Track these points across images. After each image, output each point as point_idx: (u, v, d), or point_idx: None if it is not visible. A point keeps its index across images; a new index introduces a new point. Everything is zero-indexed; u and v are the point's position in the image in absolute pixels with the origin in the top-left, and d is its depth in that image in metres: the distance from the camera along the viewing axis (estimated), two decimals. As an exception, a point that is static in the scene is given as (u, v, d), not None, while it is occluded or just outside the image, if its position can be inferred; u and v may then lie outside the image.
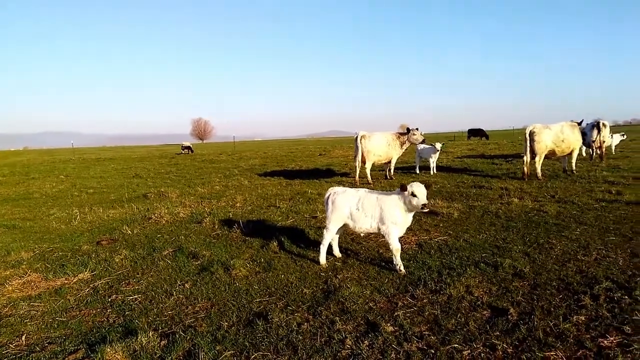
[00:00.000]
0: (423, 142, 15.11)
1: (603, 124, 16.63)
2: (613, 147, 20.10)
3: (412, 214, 5.35)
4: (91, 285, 5.52)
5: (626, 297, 4.34)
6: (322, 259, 5.83)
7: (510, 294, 4.59)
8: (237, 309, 4.58)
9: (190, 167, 24.92)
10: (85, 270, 6.02)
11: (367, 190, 5.80)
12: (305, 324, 4.11)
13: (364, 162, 13.26)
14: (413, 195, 5.07)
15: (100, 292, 5.31)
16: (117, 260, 6.45)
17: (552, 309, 4.16)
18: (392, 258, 5.44)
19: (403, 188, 5.23)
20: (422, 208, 5.04)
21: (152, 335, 3.95)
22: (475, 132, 51.42)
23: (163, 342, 3.91)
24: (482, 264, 5.51)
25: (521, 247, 6.21)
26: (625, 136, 21.89)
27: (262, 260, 6.10)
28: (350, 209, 5.59)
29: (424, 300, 4.53)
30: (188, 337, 3.95)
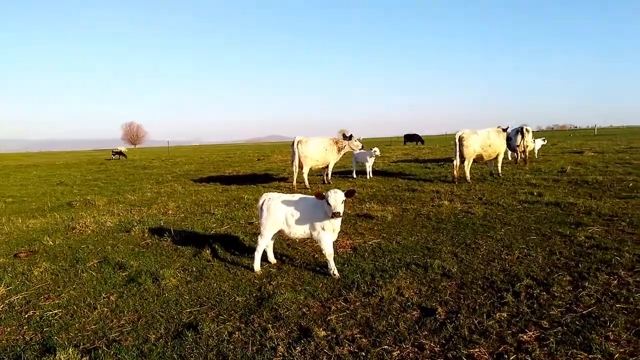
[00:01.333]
0: (362, 148, 15.38)
1: (526, 129, 17.66)
2: (536, 151, 21.36)
3: (340, 218, 5.38)
4: (6, 301, 5.11)
5: (544, 293, 4.60)
6: (257, 265, 5.74)
7: (438, 293, 4.74)
8: (165, 320, 4.40)
9: (120, 174, 23.86)
10: (0, 285, 5.56)
11: (302, 195, 5.79)
12: (237, 332, 4.02)
13: (301, 167, 13.27)
14: (327, 203, 5.08)
15: (16, 308, 4.92)
16: (36, 273, 6.01)
17: (477, 307, 4.33)
18: (327, 263, 5.46)
19: (319, 196, 5.24)
20: (332, 216, 5.07)
21: (72, 351, 3.71)
22: (411, 137, 53.09)
23: (84, 358, 3.68)
24: (413, 266, 5.66)
25: (450, 247, 6.44)
26: (546, 141, 23.34)
27: (194, 269, 5.92)
28: (286, 214, 5.55)
29: (357, 304, 4.57)
30: (112, 352, 3.75)
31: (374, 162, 16.48)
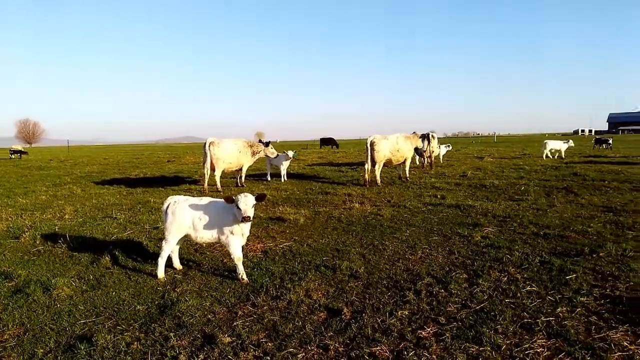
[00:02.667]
0: (277, 155, 15.32)
1: (432, 135, 18.66)
2: (441, 157, 22.62)
3: (249, 223, 5.31)
4: None
5: (443, 290, 4.86)
6: (160, 272, 5.49)
7: (345, 294, 4.83)
8: (56, 333, 4.06)
9: (11, 175, 21.65)
10: None
11: (210, 199, 5.63)
12: (136, 343, 3.81)
13: (213, 169, 12.93)
14: (237, 207, 5.01)
15: None
16: None
17: (381, 306, 4.47)
18: (235, 267, 5.36)
19: (228, 200, 5.15)
20: (242, 221, 5.02)
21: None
22: (327, 141, 53.93)
23: (-45, 382, 3.29)
24: (322, 268, 5.73)
25: (359, 249, 6.61)
26: (450, 147, 24.81)
27: (91, 277, 5.52)
28: (193, 218, 5.37)
29: (265, 308, 4.53)
30: (-11, 373, 3.39)
31: (289, 165, 16.52)
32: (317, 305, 4.55)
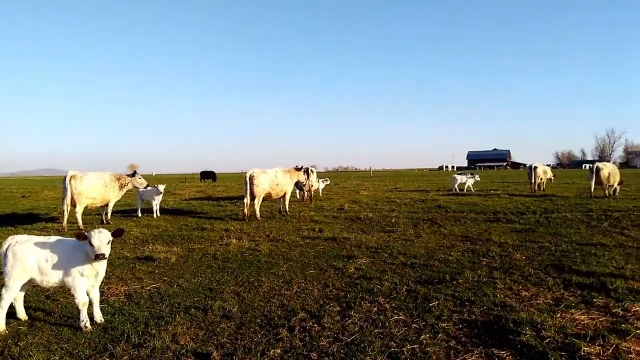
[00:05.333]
0: (147, 186, 14.48)
1: (311, 169, 19.15)
2: (320, 190, 23.22)
3: (104, 262, 4.85)
4: None
5: (316, 325, 4.83)
6: (1, 324, 4.74)
7: (216, 336, 4.57)
8: None
9: None
10: None
11: (58, 237, 5.05)
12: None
13: (74, 205, 11.75)
14: (90, 244, 4.58)
15: None
16: None
17: (253, 346, 4.29)
18: (80, 313, 4.80)
19: (80, 236, 4.68)
20: (95, 259, 4.60)
21: None
22: (207, 175, 52.70)
23: None
24: (192, 309, 5.39)
25: (233, 287, 6.37)
26: (329, 181, 25.54)
27: None
28: (38, 259, 4.73)
29: (125, 358, 4.09)
30: None
31: (163, 200, 15.68)
32: (184, 350, 4.23)
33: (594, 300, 5.39)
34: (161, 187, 14.80)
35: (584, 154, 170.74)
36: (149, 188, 14.65)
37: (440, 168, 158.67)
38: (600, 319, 4.77)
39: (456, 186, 24.61)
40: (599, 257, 7.65)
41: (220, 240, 10.05)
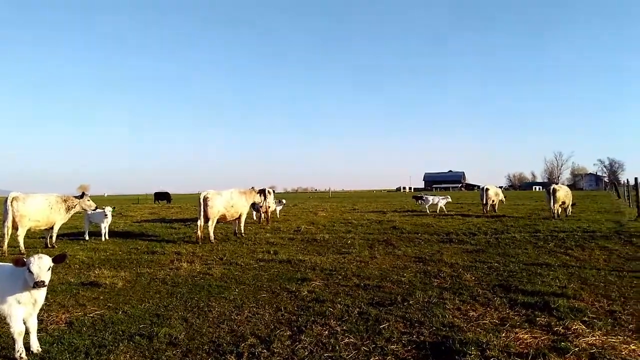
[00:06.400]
0: (96, 208, 13.96)
1: (269, 191, 19.02)
2: (278, 212, 23.06)
3: (44, 289, 4.61)
4: None
5: (265, 350, 4.72)
6: None
7: (160, 365, 4.40)
8: None
9: None
10: None
11: None
12: None
13: (16, 228, 11.15)
14: (29, 270, 4.36)
15: None
16: None
17: (198, 375, 4.15)
18: (15, 342, 4.53)
19: (18, 262, 4.44)
20: (34, 286, 4.38)
21: None
22: (161, 196, 51.54)
23: None
24: (137, 337, 5.18)
25: (182, 312, 6.17)
26: (285, 201, 25.37)
27: None
28: None
29: (59, 392, 3.86)
30: None
31: (113, 222, 15.14)
32: (124, 382, 4.04)
33: (537, 319, 5.56)
34: (108, 210, 14.27)
35: (534, 176, 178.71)
36: (97, 210, 14.12)
37: (398, 189, 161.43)
38: (542, 338, 4.91)
39: (427, 207, 25.03)
40: (544, 276, 7.92)
41: (171, 264, 9.77)
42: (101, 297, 7.05)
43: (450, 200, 26.45)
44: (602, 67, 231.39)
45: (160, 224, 20.42)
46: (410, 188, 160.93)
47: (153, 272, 8.85)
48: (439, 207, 25.05)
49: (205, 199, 13.24)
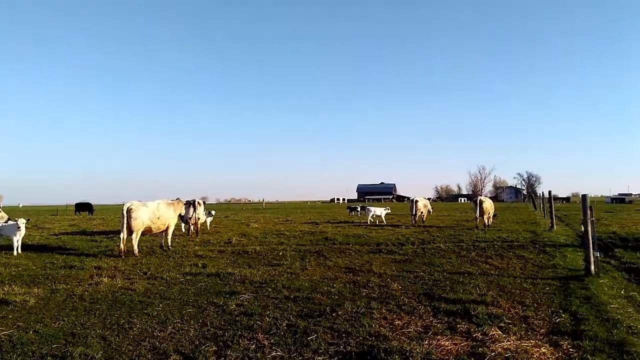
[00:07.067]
0: (7, 220, 12.93)
1: (199, 202, 18.53)
2: (208, 223, 22.51)
3: None
4: None
5: (188, 367, 4.56)
6: None
7: (72, 389, 4.11)
8: None
9: None
10: None
11: None
12: None
13: None
14: None
15: None
16: None
17: (114, 398, 3.92)
18: None
19: None
20: None
21: None
22: (83, 207, 48.71)
23: None
24: (49, 357, 4.84)
25: (100, 330, 5.83)
26: (214, 212, 24.63)
27: None
28: None
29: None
30: None
31: (27, 235, 14.06)
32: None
33: (458, 326, 5.79)
34: (22, 222, 13.24)
35: (459, 188, 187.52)
36: (9, 222, 13.06)
37: (332, 200, 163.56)
38: (462, 344, 5.11)
39: (370, 217, 25.40)
40: (466, 285, 8.28)
41: (91, 279, 9.21)
42: (10, 316, 6.50)
43: (389, 211, 27.17)
44: (517, 92, 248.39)
45: (80, 236, 19.26)
46: (344, 199, 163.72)
47: (70, 288, 8.31)
48: (381, 218, 25.67)
49: (129, 211, 12.64)
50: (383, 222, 25.27)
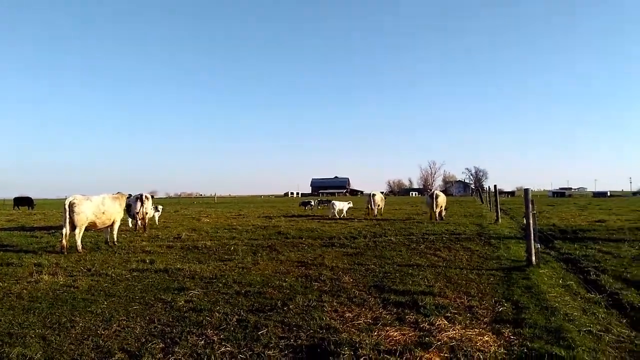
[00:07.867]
0: None
1: (146, 196, 17.96)
2: (157, 218, 21.86)
3: None
4: None
5: (134, 366, 4.43)
6: None
7: (6, 393, 3.90)
8: None
9: None
10: None
11: None
12: None
13: None
14: None
15: None
16: None
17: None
18: None
19: None
20: None
21: None
22: (22, 201, 46.25)
23: None
24: (-19, 361, 4.55)
25: (40, 330, 5.56)
26: (162, 207, 23.76)
27: None
28: None
29: None
30: None
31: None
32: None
33: (407, 317, 5.92)
34: None
35: (411, 182, 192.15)
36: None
37: (286, 194, 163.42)
38: (410, 334, 5.23)
39: (335, 212, 25.34)
40: (415, 276, 8.47)
41: (30, 276, 8.76)
42: (-63, 318, 6.09)
43: (352, 205, 27.30)
44: (470, 92, 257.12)
45: (19, 232, 18.25)
46: (298, 193, 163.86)
47: (7, 287, 7.87)
48: (344, 212, 25.75)
49: (72, 205, 12.09)
50: (344, 215, 25.43)
